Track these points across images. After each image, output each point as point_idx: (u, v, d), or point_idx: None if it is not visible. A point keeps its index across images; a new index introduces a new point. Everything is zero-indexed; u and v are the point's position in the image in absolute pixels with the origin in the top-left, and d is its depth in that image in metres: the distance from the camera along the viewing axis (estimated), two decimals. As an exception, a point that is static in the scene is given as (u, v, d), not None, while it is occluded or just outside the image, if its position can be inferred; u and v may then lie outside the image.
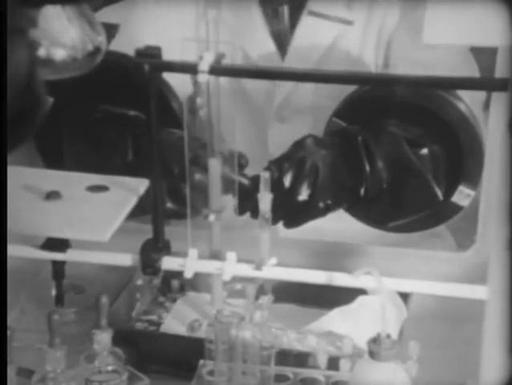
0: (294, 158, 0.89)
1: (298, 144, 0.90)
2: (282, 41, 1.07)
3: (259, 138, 1.07)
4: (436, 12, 0.68)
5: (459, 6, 0.67)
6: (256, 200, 0.81)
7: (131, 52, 0.80)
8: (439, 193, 0.92)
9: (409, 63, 0.99)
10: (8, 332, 0.73)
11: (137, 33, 1.03)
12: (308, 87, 1.03)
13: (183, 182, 0.87)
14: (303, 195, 0.89)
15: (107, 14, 1.02)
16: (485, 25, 0.66)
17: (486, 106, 0.91)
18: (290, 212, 0.89)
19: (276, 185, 0.86)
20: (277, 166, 0.89)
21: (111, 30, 1.05)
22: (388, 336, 0.74)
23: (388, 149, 0.91)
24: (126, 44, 0.85)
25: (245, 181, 0.87)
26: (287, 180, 0.88)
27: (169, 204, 0.89)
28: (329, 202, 0.91)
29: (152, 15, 1.06)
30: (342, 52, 1.05)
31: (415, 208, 0.94)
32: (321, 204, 0.90)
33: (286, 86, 1.05)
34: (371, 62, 1.05)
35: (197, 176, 0.85)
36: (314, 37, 1.05)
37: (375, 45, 1.05)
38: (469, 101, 0.93)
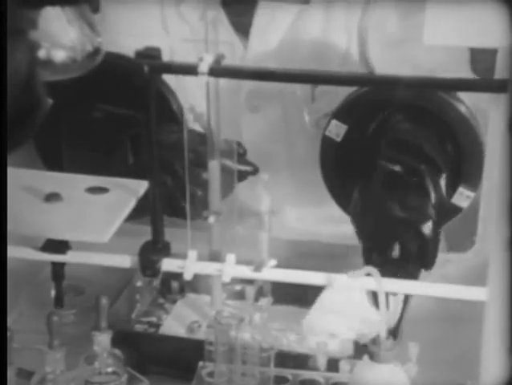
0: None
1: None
2: (242, 29, 1.05)
3: (232, 128, 1.05)
4: (436, 13, 0.68)
5: (459, 7, 0.67)
6: None
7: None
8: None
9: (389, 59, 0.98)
10: (8, 333, 0.73)
11: (122, 38, 1.02)
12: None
13: (191, 183, 0.87)
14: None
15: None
16: (484, 26, 0.66)
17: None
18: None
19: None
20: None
21: None
22: (388, 337, 0.75)
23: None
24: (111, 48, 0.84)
25: (249, 168, 0.86)
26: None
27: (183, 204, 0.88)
28: None
29: (128, 17, 1.06)
30: (303, 34, 1.03)
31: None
32: None
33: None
34: (340, 45, 1.03)
35: (204, 176, 0.84)
36: (272, 21, 1.03)
37: (344, 27, 1.03)
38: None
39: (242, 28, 1.05)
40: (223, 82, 0.78)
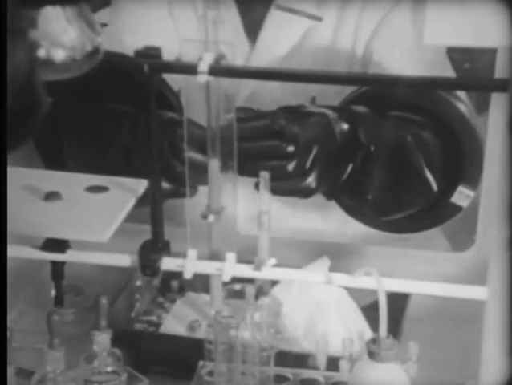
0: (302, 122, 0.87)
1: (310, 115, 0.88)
2: (253, 33, 1.05)
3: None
4: (437, 13, 0.68)
5: (459, 7, 0.67)
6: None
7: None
8: (433, 186, 0.92)
9: (393, 63, 0.99)
10: (8, 333, 0.73)
11: (120, 35, 1.02)
12: (275, 83, 1.01)
13: (175, 159, 0.87)
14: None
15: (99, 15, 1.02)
16: (485, 25, 0.66)
17: (482, 107, 0.91)
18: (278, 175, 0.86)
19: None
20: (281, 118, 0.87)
21: None
22: (388, 336, 0.75)
23: (390, 139, 0.90)
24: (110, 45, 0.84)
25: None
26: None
27: (164, 184, 0.88)
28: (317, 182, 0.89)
29: (135, 17, 1.06)
30: (311, 48, 1.04)
31: (410, 202, 0.93)
32: (310, 181, 0.89)
33: (252, 81, 1.03)
34: (345, 59, 1.04)
35: (192, 155, 0.84)
36: (282, 31, 1.04)
37: (351, 43, 1.04)
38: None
39: (252, 29, 1.05)
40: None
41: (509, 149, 0.53)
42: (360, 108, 0.91)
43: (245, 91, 1.05)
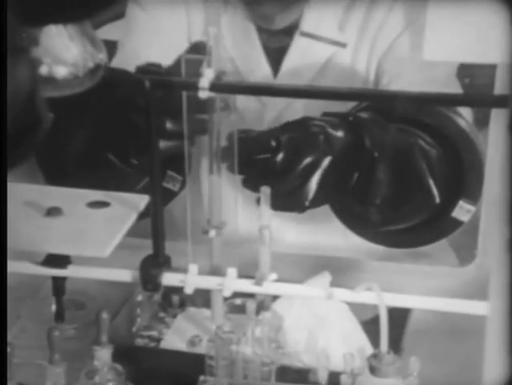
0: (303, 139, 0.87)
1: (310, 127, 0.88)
2: (275, 60, 1.06)
3: None
4: (436, 29, 0.68)
5: (459, 23, 0.67)
6: None
7: (132, 68, 0.80)
8: (436, 195, 0.92)
9: (403, 81, 1.00)
10: (8, 348, 0.73)
11: (137, 49, 1.03)
12: (299, 104, 1.03)
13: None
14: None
15: (106, 31, 1.02)
16: (484, 41, 0.66)
17: (483, 123, 0.91)
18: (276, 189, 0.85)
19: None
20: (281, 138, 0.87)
21: (110, 47, 1.05)
22: (389, 352, 0.75)
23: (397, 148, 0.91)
24: (126, 61, 0.85)
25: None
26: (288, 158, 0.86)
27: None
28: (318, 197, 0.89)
29: (151, 31, 1.06)
30: (333, 73, 1.05)
31: (411, 212, 0.93)
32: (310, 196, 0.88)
33: (277, 104, 1.05)
34: (362, 81, 1.05)
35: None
36: (306, 58, 1.05)
37: (365, 66, 1.05)
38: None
39: (274, 56, 1.06)
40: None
41: (509, 149, 0.54)
42: (365, 114, 0.91)
43: (270, 115, 1.06)
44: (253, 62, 1.05)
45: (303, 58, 1.05)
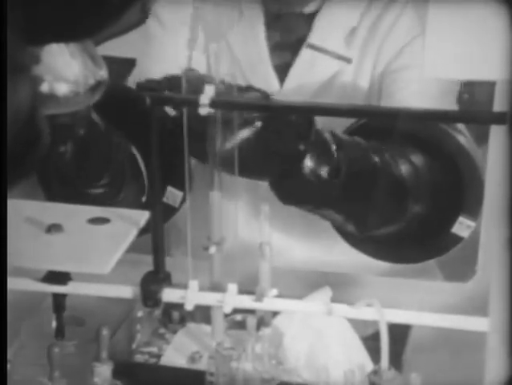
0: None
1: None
2: (283, 73, 1.07)
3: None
4: (436, 45, 0.68)
5: (458, 40, 0.67)
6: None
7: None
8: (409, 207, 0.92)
9: (405, 96, 1.00)
10: (8, 365, 0.72)
11: (154, 65, 1.03)
12: None
13: None
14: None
15: (123, 48, 1.03)
16: (484, 59, 0.66)
17: (482, 139, 0.92)
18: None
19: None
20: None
21: (127, 64, 1.06)
22: (390, 368, 0.74)
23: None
24: (144, 77, 0.85)
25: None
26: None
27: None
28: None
29: (167, 47, 1.07)
30: (338, 88, 1.05)
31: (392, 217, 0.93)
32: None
33: None
34: (364, 96, 1.05)
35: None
36: (312, 70, 1.05)
37: (369, 80, 1.05)
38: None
39: (282, 67, 1.07)
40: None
41: (509, 149, 0.54)
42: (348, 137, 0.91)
43: None
44: (261, 75, 1.05)
45: (308, 71, 1.05)
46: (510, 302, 0.56)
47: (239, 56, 1.06)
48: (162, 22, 1.07)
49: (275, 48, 1.07)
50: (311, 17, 1.05)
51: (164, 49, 1.05)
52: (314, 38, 1.05)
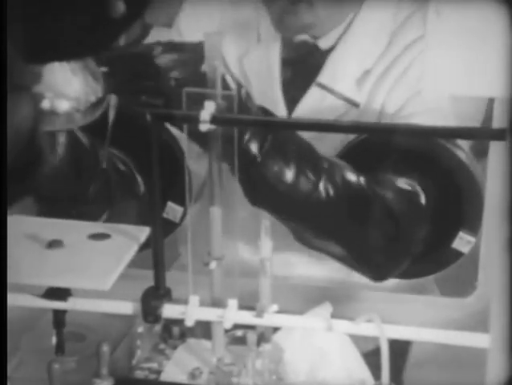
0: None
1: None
2: (292, 106, 1.06)
3: None
4: (434, 62, 0.69)
5: (458, 57, 0.68)
6: None
7: None
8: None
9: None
10: (8, 382, 0.72)
11: None
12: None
13: None
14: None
15: None
16: (483, 75, 0.67)
17: (482, 154, 0.92)
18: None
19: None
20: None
21: None
22: (390, 384, 0.74)
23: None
24: None
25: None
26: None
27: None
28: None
29: None
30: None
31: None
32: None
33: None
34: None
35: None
36: (319, 108, 1.03)
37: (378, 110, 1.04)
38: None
39: (291, 100, 1.06)
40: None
41: (509, 151, 0.54)
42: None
43: None
44: (271, 103, 1.04)
45: (315, 110, 1.03)
46: (510, 272, 0.56)
47: (252, 81, 1.05)
48: (183, 36, 1.07)
49: (288, 80, 1.06)
50: (326, 54, 1.04)
51: None
52: (325, 76, 1.03)
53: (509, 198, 0.54)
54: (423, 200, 0.91)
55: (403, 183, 0.92)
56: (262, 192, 0.86)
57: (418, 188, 0.92)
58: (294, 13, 0.98)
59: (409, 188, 0.92)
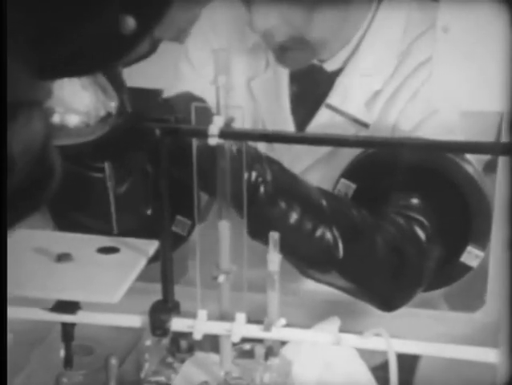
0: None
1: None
2: (301, 128, 1.05)
3: None
4: (443, 78, 0.69)
5: (464, 72, 0.68)
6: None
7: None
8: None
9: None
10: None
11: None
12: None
13: None
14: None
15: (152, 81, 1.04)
16: (491, 90, 0.67)
17: (490, 168, 0.92)
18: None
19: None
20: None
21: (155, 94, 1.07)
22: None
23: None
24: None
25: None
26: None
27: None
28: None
29: (195, 84, 1.07)
30: (352, 150, 1.02)
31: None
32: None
33: (308, 155, 1.04)
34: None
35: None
36: (329, 130, 1.02)
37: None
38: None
39: (300, 122, 1.05)
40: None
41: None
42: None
43: (303, 164, 1.05)
44: (280, 125, 1.04)
45: (325, 131, 1.02)
46: (510, 272, 0.56)
47: (261, 103, 1.06)
48: (191, 61, 1.08)
49: (297, 102, 1.05)
50: (334, 75, 1.03)
51: (192, 86, 1.04)
52: (334, 98, 1.03)
53: (509, 198, 0.54)
54: (428, 230, 0.91)
55: (405, 209, 0.91)
56: (263, 229, 0.86)
57: (421, 218, 0.92)
58: (291, 50, 0.98)
59: (412, 215, 0.92)
